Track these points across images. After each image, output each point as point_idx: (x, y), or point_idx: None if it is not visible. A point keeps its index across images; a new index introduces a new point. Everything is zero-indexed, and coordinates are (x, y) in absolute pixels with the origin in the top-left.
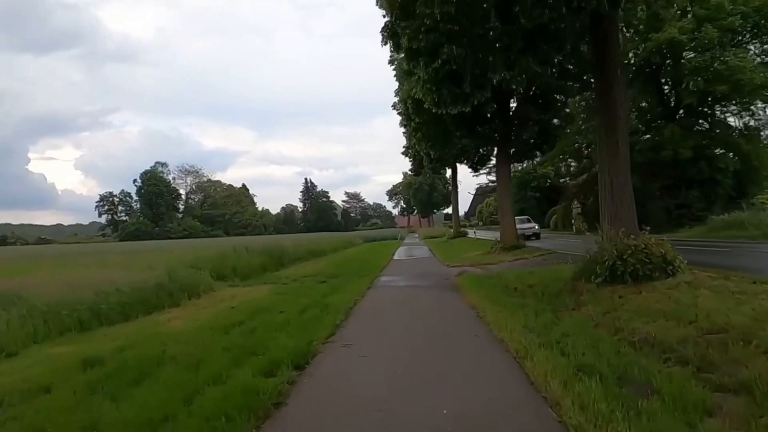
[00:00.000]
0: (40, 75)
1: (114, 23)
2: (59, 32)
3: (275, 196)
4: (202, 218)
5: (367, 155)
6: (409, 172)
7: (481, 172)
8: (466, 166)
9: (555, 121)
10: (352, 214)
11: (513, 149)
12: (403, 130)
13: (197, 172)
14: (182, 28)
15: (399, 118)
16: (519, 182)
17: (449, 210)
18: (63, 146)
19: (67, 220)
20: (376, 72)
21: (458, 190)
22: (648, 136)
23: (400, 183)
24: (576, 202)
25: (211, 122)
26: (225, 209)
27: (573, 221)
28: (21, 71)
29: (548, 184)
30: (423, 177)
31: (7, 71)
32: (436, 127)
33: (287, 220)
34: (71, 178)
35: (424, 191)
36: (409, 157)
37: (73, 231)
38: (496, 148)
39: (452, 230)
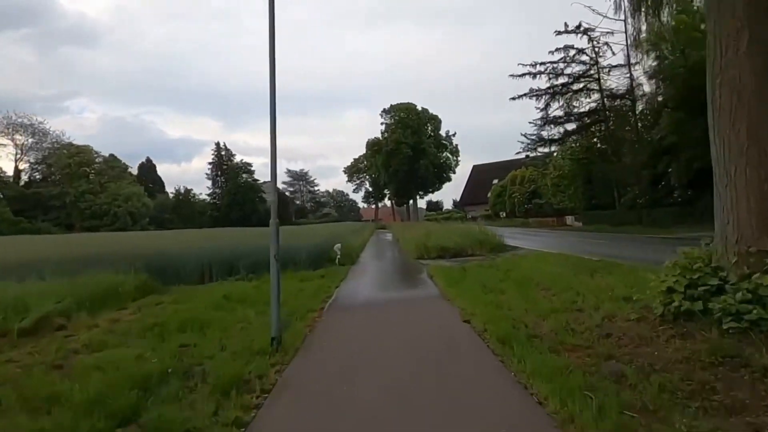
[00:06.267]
0: None
1: (68, 1)
2: (7, 9)
3: None
4: (23, 201)
5: (338, 147)
6: None
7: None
8: None
9: None
10: (297, 202)
11: None
12: None
13: (33, 127)
14: (145, 10)
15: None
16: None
17: (438, 196)
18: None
19: None
20: (349, 62)
21: None
22: None
23: (362, 156)
24: None
25: (174, 111)
26: (69, 187)
27: None
28: None
29: None
30: (401, 132)
31: None
32: None
33: (179, 206)
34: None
35: (402, 157)
36: None
37: None
38: None
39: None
